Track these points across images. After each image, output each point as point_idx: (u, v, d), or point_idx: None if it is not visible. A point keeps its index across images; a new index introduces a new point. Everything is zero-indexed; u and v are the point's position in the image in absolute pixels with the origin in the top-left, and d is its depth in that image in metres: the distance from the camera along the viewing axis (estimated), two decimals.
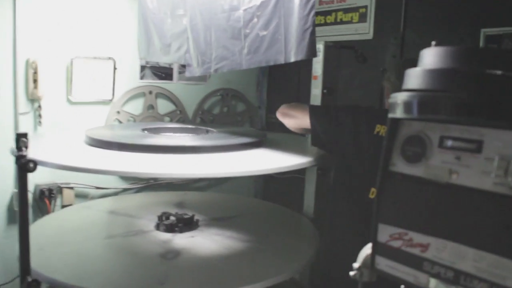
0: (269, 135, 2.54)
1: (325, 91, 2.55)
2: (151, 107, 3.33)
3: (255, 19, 1.96)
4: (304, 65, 2.34)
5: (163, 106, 3.41)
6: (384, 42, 3.20)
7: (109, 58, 3.08)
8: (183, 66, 3.35)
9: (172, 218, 2.35)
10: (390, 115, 1.09)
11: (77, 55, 2.93)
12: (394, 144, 1.08)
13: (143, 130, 2.31)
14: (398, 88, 1.07)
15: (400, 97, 1.05)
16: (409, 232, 1.04)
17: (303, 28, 1.76)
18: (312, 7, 1.76)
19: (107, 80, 3.08)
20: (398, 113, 1.05)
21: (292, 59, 1.81)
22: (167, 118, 3.42)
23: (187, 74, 2.38)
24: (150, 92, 3.30)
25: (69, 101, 2.97)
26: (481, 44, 2.73)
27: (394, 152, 1.07)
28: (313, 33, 1.75)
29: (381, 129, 1.83)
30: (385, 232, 1.08)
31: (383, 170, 1.08)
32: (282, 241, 2.27)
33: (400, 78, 2.27)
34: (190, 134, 2.50)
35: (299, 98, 3.84)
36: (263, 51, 1.92)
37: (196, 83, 3.55)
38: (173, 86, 3.44)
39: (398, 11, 3.12)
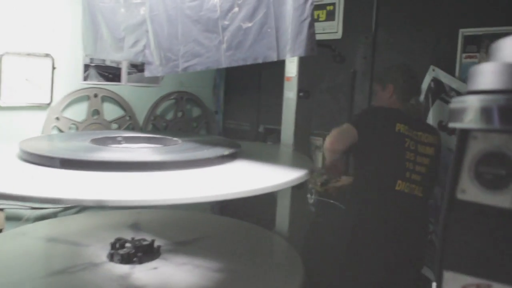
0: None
1: (301, 94, 2.27)
2: (96, 112, 2.90)
3: (236, 8, 1.63)
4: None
5: (110, 111, 2.99)
6: (354, 42, 3.00)
7: (47, 55, 2.62)
8: (134, 65, 2.96)
9: (129, 245, 1.95)
10: (457, 125, 0.81)
11: (7, 51, 2.46)
12: (462, 164, 0.80)
13: (92, 141, 1.90)
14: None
15: (471, 102, 0.77)
16: (493, 284, 0.77)
17: (299, 19, 1.46)
18: None
19: (44, 81, 2.62)
20: (469, 122, 0.78)
21: (288, 56, 1.51)
22: (114, 125, 3.00)
23: (146, 73, 2.00)
24: (95, 95, 2.87)
25: None
26: (460, 44, 2.58)
27: (463, 175, 0.80)
28: (311, 25, 1.45)
29: (401, 127, 2.04)
30: (454, 283, 0.80)
31: (449, 198, 0.80)
32: (261, 268, 1.95)
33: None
34: (149, 145, 2.12)
35: (260, 102, 3.56)
36: (248, 46, 1.60)
37: (148, 86, 3.16)
38: (121, 88, 3.02)
39: (369, 10, 2.93)
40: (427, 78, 2.70)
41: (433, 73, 2.69)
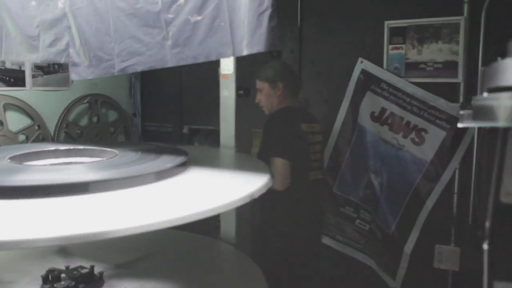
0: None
1: (241, 92, 2.13)
2: None
3: (181, 0, 1.44)
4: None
5: (16, 120, 2.60)
6: (281, 36, 2.92)
7: None
8: (40, 67, 2.62)
9: (64, 276, 1.67)
10: (490, 124, 0.74)
11: None
12: (504, 165, 0.74)
13: (9, 159, 1.58)
14: None
15: (505, 99, 0.71)
16: None
17: (257, 10, 1.31)
18: None
19: None
20: (506, 120, 0.71)
21: (245, 52, 1.35)
22: (22, 137, 2.62)
23: (73, 76, 1.72)
24: None
25: None
26: (386, 36, 2.62)
27: (507, 177, 0.73)
28: (272, 17, 1.31)
29: (304, 127, 2.31)
30: None
31: (494, 203, 0.73)
32: (218, 282, 1.79)
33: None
34: (75, 159, 1.83)
35: (182, 101, 3.36)
36: (199, 43, 1.42)
37: (57, 89, 2.81)
38: (26, 93, 2.65)
39: (294, 3, 2.86)
40: (356, 71, 2.72)
41: (362, 65, 2.71)
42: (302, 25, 2.89)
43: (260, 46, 1.32)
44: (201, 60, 1.44)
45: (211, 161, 1.93)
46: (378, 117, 2.68)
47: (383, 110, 2.67)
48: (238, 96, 2.13)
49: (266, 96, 2.36)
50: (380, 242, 2.72)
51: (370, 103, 2.70)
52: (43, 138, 2.73)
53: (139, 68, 1.56)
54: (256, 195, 1.34)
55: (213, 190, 1.41)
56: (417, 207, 2.61)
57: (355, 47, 2.73)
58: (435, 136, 2.54)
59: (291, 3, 2.87)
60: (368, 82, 2.69)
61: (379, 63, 2.66)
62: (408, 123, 2.61)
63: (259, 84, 2.38)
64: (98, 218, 1.08)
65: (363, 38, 2.71)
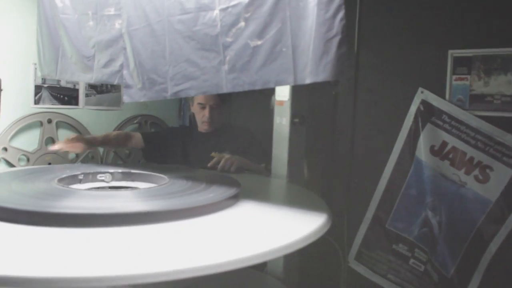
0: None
1: (296, 120, 2.04)
2: (50, 140, 2.52)
3: (242, 23, 1.37)
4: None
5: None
6: None
7: None
8: (93, 86, 2.62)
9: None
10: None
11: None
12: None
13: (59, 181, 1.54)
14: None
15: None
16: None
17: (325, 36, 1.22)
18: (339, 7, 1.23)
19: None
20: None
21: (308, 80, 1.26)
22: (72, 155, 2.62)
23: (125, 99, 1.68)
24: (49, 121, 2.49)
25: None
26: (449, 66, 2.46)
27: None
28: (341, 44, 1.22)
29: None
30: None
31: None
32: None
33: None
34: (123, 183, 1.77)
35: (231, 125, 3.30)
36: (257, 69, 1.34)
37: (108, 109, 2.81)
38: (79, 112, 2.66)
39: (350, 30, 2.76)
40: (416, 101, 2.57)
41: (422, 95, 2.55)
42: (359, 52, 2.78)
43: (326, 74, 1.22)
44: (258, 87, 1.36)
45: (262, 193, 1.83)
46: (439, 151, 2.51)
47: (444, 143, 2.50)
48: (293, 124, 2.04)
49: (220, 114, 2.48)
50: (436, 285, 2.52)
51: (430, 136, 2.53)
52: (93, 157, 2.72)
53: (193, 93, 1.50)
54: (313, 239, 1.23)
55: (265, 229, 1.30)
56: (480, 250, 2.40)
57: (415, 76, 2.58)
58: (502, 174, 2.34)
59: (347, 29, 2.77)
60: (429, 113, 2.53)
61: (441, 94, 2.50)
62: (471, 159, 2.42)
63: (214, 100, 2.43)
64: (143, 256, 1.00)
65: (424, 67, 2.56)
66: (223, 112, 2.52)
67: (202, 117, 2.43)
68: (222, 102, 2.47)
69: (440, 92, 2.49)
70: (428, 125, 2.53)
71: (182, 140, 2.48)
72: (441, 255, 2.48)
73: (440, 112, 2.49)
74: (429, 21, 2.50)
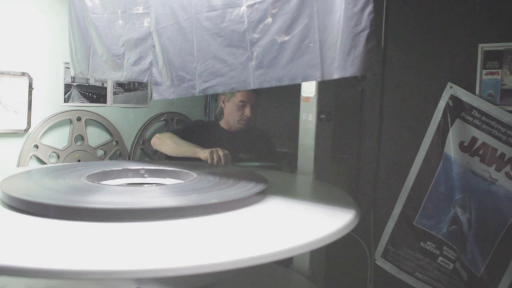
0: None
1: (322, 116, 2.02)
2: (79, 138, 2.57)
3: (269, 19, 1.37)
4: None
5: (95, 136, 2.66)
6: None
7: (23, 74, 2.29)
8: (121, 84, 2.66)
9: None
10: None
11: None
12: None
13: (89, 177, 1.57)
14: None
15: None
16: None
17: (353, 31, 1.21)
18: (368, 1, 1.22)
19: (20, 104, 2.28)
20: None
21: (336, 75, 1.25)
22: (100, 152, 2.67)
23: (155, 96, 1.70)
24: (79, 119, 2.54)
25: None
26: (479, 60, 2.41)
27: None
28: (370, 38, 1.21)
29: None
30: None
31: None
32: None
33: None
34: (152, 179, 1.80)
35: (256, 122, 3.30)
36: (284, 64, 1.34)
37: (136, 107, 2.85)
38: (107, 110, 2.71)
39: (377, 24, 2.72)
40: (445, 96, 2.52)
41: (451, 90, 2.50)
42: (386, 47, 2.74)
43: (354, 69, 1.21)
44: (285, 82, 1.36)
45: (289, 189, 1.83)
46: (468, 147, 2.46)
47: (474, 139, 2.45)
48: (319, 120, 2.03)
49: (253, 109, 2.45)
50: (466, 283, 2.47)
51: (459, 131, 2.48)
52: (120, 154, 2.77)
53: (220, 89, 1.50)
54: (340, 235, 1.22)
55: (292, 225, 1.30)
56: (511, 248, 2.35)
57: (444, 71, 2.53)
58: None
59: (375, 25, 2.74)
60: (458, 109, 2.48)
61: (471, 89, 2.44)
62: (502, 155, 2.36)
63: (255, 98, 2.43)
64: (170, 251, 1.01)
65: (453, 62, 2.51)
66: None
67: (241, 115, 2.40)
68: (258, 101, 2.48)
69: (470, 87, 2.44)
70: (457, 121, 2.48)
71: (208, 135, 2.48)
72: (471, 253, 2.43)
73: (470, 108, 2.44)
74: (459, 14, 2.45)
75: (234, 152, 2.30)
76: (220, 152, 2.05)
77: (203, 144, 2.36)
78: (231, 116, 2.44)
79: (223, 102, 2.47)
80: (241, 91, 2.34)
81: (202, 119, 3.04)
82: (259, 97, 2.48)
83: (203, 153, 2.08)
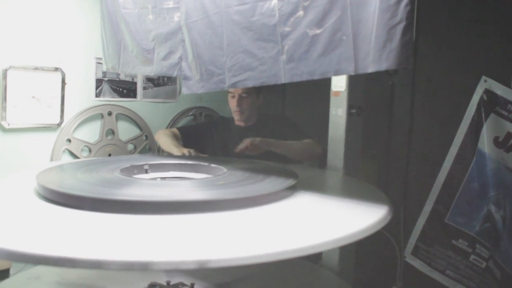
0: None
1: (353, 111, 2.00)
2: (110, 132, 2.61)
3: (301, 12, 1.36)
4: None
5: (126, 130, 2.70)
6: None
7: (56, 69, 2.34)
8: (151, 79, 2.69)
9: None
10: None
11: (12, 65, 2.16)
12: None
13: (121, 171, 1.59)
14: None
15: None
16: None
17: (389, 23, 1.19)
18: None
19: (53, 99, 2.33)
20: None
21: (370, 69, 1.23)
22: (130, 146, 2.70)
23: (184, 90, 1.71)
24: (109, 113, 2.58)
25: (1, 127, 2.18)
26: None
27: None
28: (407, 30, 1.18)
29: None
30: None
31: None
32: None
33: None
34: (183, 173, 1.81)
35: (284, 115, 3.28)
36: (316, 58, 1.32)
37: (165, 101, 2.88)
38: (137, 105, 2.74)
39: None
40: (479, 90, 2.45)
41: (485, 84, 2.43)
42: (418, 40, 2.68)
43: (389, 62, 1.19)
44: (317, 76, 1.34)
45: (319, 185, 1.81)
46: (503, 143, 2.39)
47: (509, 135, 2.37)
48: (349, 115, 2.00)
49: (251, 103, 2.41)
50: (499, 282, 2.41)
51: (494, 126, 2.41)
52: (150, 148, 2.80)
53: (250, 84, 1.50)
54: (372, 232, 1.20)
55: (323, 220, 1.29)
56: None
57: (478, 64, 2.46)
58: None
59: (407, 16, 2.68)
60: (493, 103, 2.41)
61: (506, 83, 2.37)
62: None
63: (245, 89, 2.38)
64: (199, 244, 1.01)
65: (487, 55, 2.44)
66: (256, 102, 2.45)
67: (232, 107, 2.41)
68: (254, 92, 2.41)
69: (505, 80, 2.36)
70: (492, 116, 2.41)
71: (221, 132, 2.49)
72: (505, 251, 2.37)
73: (505, 102, 2.36)
74: (493, 5, 2.38)
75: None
76: (191, 153, 2.12)
77: (216, 141, 2.41)
78: (231, 109, 2.46)
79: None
80: None
81: (222, 116, 3.04)
82: (258, 89, 2.43)
83: (177, 152, 2.17)
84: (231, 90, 2.37)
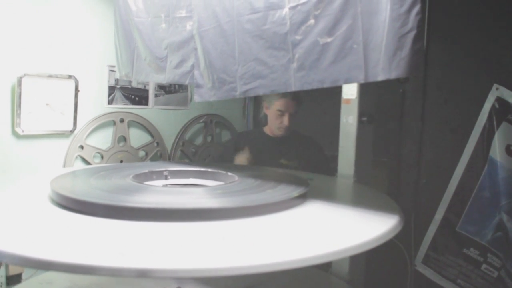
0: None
1: (364, 119, 2.00)
2: (122, 139, 2.63)
3: (312, 20, 1.37)
4: None
5: (137, 137, 2.72)
6: None
7: (70, 77, 2.37)
8: (162, 87, 2.71)
9: None
10: None
11: (27, 72, 2.20)
12: None
13: (134, 178, 1.61)
14: None
15: None
16: None
17: (400, 31, 1.20)
18: (415, 1, 1.21)
19: (66, 106, 2.36)
20: None
21: (381, 77, 1.24)
22: (142, 153, 2.73)
23: (196, 98, 1.73)
24: (122, 120, 2.61)
25: (15, 134, 2.21)
26: None
27: None
28: (417, 39, 1.19)
29: None
30: None
31: None
32: None
33: None
34: (194, 180, 1.82)
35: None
36: (327, 66, 1.33)
37: (176, 109, 2.90)
38: (148, 112, 2.77)
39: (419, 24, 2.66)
40: (490, 98, 2.44)
41: (497, 92, 2.42)
42: (428, 47, 2.68)
43: (400, 71, 1.19)
44: (327, 85, 1.35)
45: (331, 193, 1.82)
46: None
47: None
48: (360, 123, 2.01)
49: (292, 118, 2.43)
50: None
51: (506, 135, 2.39)
52: (161, 155, 2.82)
53: (261, 92, 1.51)
54: (383, 241, 1.20)
55: (334, 229, 1.29)
56: None
57: (489, 72, 2.45)
58: None
59: (418, 24, 2.68)
60: (505, 111, 2.39)
61: None
62: None
63: (293, 107, 2.40)
64: (209, 252, 1.02)
65: (499, 62, 2.43)
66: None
67: (279, 123, 2.43)
68: (298, 109, 2.47)
69: None
70: (504, 124, 2.39)
71: (254, 142, 2.52)
72: None
73: None
74: (504, 13, 2.37)
75: (276, 158, 2.33)
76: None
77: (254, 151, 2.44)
78: (272, 122, 2.47)
79: (266, 108, 2.49)
80: (280, 101, 2.37)
81: (246, 130, 3.17)
82: (300, 106, 2.47)
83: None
84: (280, 108, 2.40)
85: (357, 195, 1.86)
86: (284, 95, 2.35)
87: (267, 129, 2.53)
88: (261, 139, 2.51)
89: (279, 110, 2.39)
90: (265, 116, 2.54)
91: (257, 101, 3.43)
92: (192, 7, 1.74)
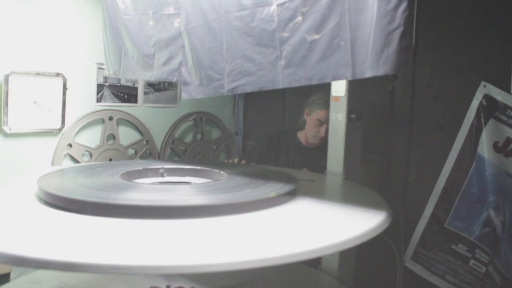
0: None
1: (352, 116, 2.01)
2: (111, 137, 2.62)
3: (299, 18, 1.37)
4: None
5: (126, 135, 2.71)
6: None
7: (58, 75, 2.35)
8: (151, 84, 2.70)
9: None
10: None
11: (14, 70, 2.18)
12: None
13: (122, 176, 1.60)
14: None
15: None
16: None
17: (387, 28, 1.20)
18: None
19: (54, 104, 2.34)
20: None
21: (368, 74, 1.24)
22: (131, 151, 2.71)
23: (184, 96, 1.72)
24: (110, 118, 2.59)
25: (2, 132, 2.19)
26: None
27: None
28: (404, 36, 1.19)
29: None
30: None
31: None
32: None
33: None
34: (183, 178, 1.82)
35: (284, 122, 3.30)
36: (314, 63, 1.34)
37: (165, 106, 2.89)
38: (137, 110, 2.75)
39: (408, 22, 2.67)
40: (478, 95, 2.46)
41: (485, 89, 2.44)
42: (417, 45, 2.69)
43: (387, 67, 1.20)
44: (315, 82, 1.35)
45: (319, 190, 1.82)
46: (503, 148, 2.39)
47: (508, 140, 2.38)
48: (349, 120, 2.01)
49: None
50: (499, 287, 2.41)
51: (494, 132, 2.41)
52: (150, 153, 2.81)
53: (249, 89, 1.51)
54: (371, 236, 1.21)
55: (322, 225, 1.29)
56: None
57: (477, 69, 2.47)
58: None
59: (405, 21, 2.69)
60: (492, 108, 2.41)
61: (506, 88, 2.38)
62: None
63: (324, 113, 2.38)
64: (197, 248, 1.02)
65: (486, 60, 2.45)
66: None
67: (316, 133, 2.45)
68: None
69: (504, 85, 2.37)
70: (491, 121, 2.41)
71: (285, 143, 2.57)
72: (505, 256, 2.37)
73: (504, 107, 2.37)
74: (492, 11, 2.39)
75: (300, 166, 2.39)
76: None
77: (279, 152, 2.50)
78: (309, 130, 2.49)
79: (306, 114, 2.51)
80: (321, 111, 2.40)
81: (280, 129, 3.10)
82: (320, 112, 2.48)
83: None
84: (320, 118, 2.43)
85: (346, 192, 1.87)
86: (327, 106, 2.33)
87: (301, 135, 2.56)
88: (291, 142, 2.57)
89: (319, 120, 2.41)
90: (304, 121, 2.56)
91: (247, 98, 3.43)
92: (180, 4, 1.73)
